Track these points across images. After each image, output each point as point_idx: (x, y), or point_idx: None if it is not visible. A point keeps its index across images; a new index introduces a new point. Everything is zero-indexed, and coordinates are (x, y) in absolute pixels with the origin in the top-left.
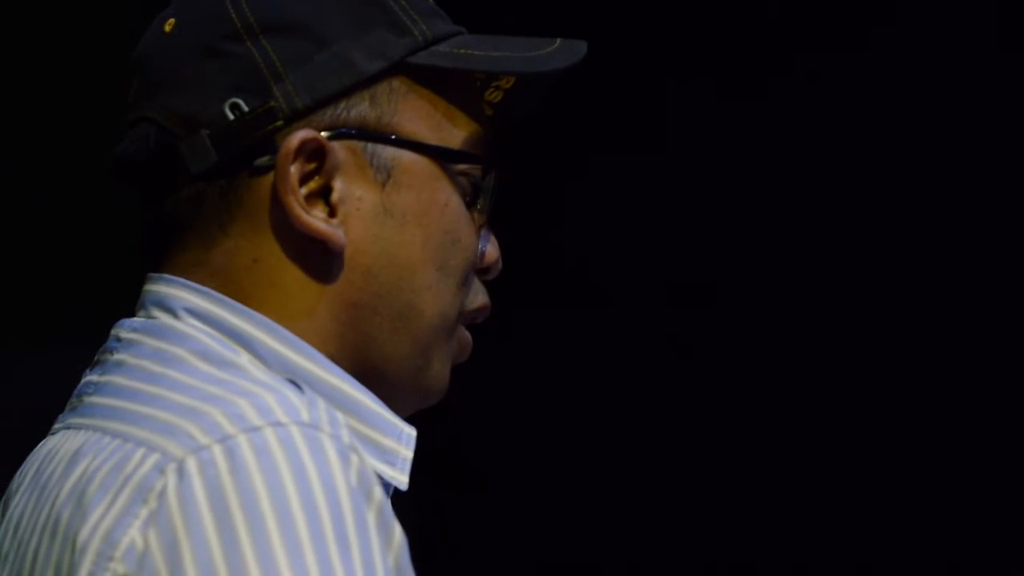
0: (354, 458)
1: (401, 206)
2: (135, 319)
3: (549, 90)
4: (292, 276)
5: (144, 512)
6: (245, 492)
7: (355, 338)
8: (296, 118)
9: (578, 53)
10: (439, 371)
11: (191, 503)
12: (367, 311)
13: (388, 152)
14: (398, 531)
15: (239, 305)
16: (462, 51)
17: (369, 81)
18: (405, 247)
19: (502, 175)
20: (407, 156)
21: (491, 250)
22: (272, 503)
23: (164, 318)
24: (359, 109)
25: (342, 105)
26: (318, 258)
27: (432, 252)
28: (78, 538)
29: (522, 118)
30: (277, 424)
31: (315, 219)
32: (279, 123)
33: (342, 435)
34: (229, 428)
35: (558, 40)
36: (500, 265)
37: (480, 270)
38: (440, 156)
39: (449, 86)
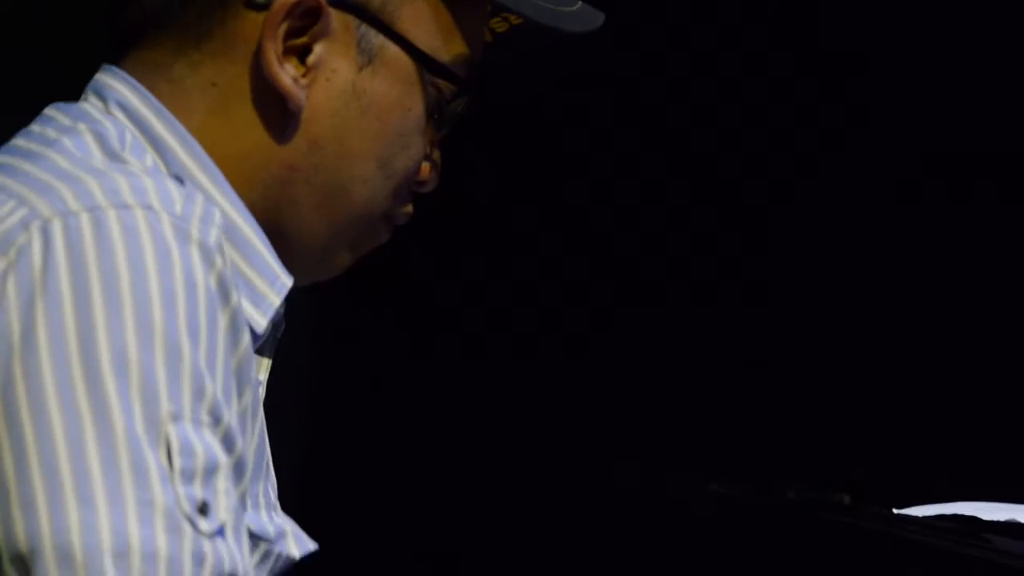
0: (217, 260)
1: (370, 94)
2: (71, 103)
3: (555, 45)
4: (241, 115)
5: (2, 263)
6: (106, 266)
7: (278, 196)
8: None
9: (592, 22)
10: (343, 258)
11: (51, 265)
12: (300, 177)
13: (378, 39)
14: (246, 339)
15: (171, 116)
16: None
17: None
18: (358, 133)
19: (471, 102)
20: (393, 50)
21: (433, 168)
22: (132, 282)
23: (93, 102)
24: None
25: None
26: (273, 110)
27: (381, 148)
28: None
29: (520, 59)
30: (148, 208)
31: (284, 73)
32: None
33: (211, 234)
34: (101, 200)
35: (579, 3)
36: (435, 183)
37: (416, 181)
38: (424, 63)
39: (461, 2)
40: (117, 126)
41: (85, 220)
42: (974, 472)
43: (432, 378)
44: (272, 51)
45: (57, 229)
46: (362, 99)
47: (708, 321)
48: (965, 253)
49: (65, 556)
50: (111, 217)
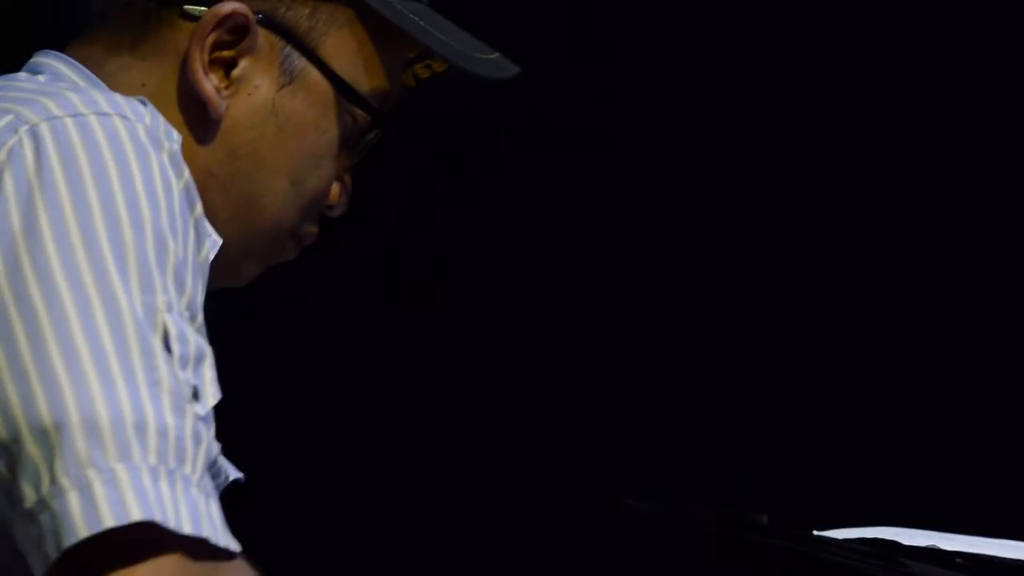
0: (184, 169)
1: (288, 112)
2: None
3: (471, 93)
4: (167, 118)
5: None
6: (96, 163)
7: None
8: None
9: (507, 72)
10: (250, 269)
11: (44, 162)
12: (217, 184)
13: (301, 62)
14: (206, 248)
15: (105, 87)
16: (413, 17)
17: None
18: (274, 148)
19: (383, 136)
20: (314, 74)
21: (343, 192)
22: (120, 178)
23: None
24: (297, 13)
25: (287, 2)
26: (195, 116)
27: (295, 165)
28: None
29: (437, 104)
30: (124, 116)
31: (207, 81)
32: None
33: (176, 145)
34: (81, 108)
35: (497, 54)
36: (343, 208)
37: (326, 204)
38: (342, 90)
39: (384, 39)
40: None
41: (70, 123)
42: (898, 496)
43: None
44: (198, 59)
45: (45, 130)
46: (280, 116)
47: (624, 331)
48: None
49: (93, 427)
50: (93, 121)
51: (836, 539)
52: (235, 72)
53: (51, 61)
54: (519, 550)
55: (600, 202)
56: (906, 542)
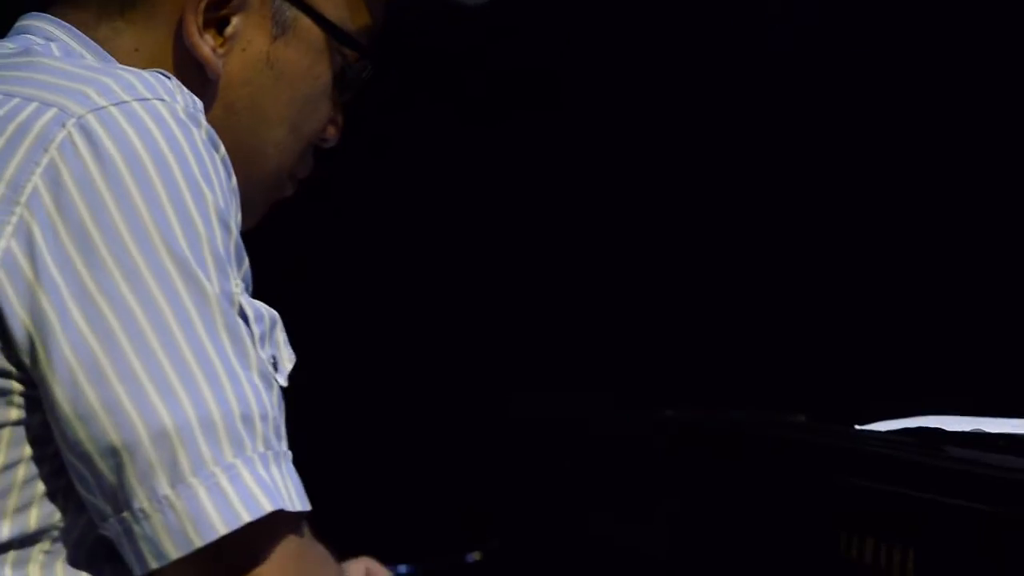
0: (220, 146)
1: (283, 63)
2: None
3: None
4: None
5: (45, 160)
6: (152, 150)
7: None
8: None
9: None
10: (255, 212)
11: (102, 154)
12: (219, 133)
13: (291, 12)
14: (240, 213)
15: (101, 51)
16: None
17: None
18: (271, 100)
19: (373, 70)
20: (305, 22)
21: (336, 128)
22: (178, 163)
23: (21, 37)
24: None
25: None
26: (192, 77)
27: (292, 113)
28: None
29: (415, 18)
30: (161, 99)
31: (204, 43)
32: None
33: (209, 126)
34: (123, 95)
35: None
36: (335, 141)
37: (321, 139)
38: (333, 33)
39: None
40: (65, 47)
41: (116, 112)
42: (940, 388)
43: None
44: (193, 23)
45: (95, 123)
46: (275, 68)
47: (648, 242)
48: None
49: (209, 426)
50: (138, 108)
51: (878, 432)
52: (228, 30)
53: (45, 25)
54: (508, 469)
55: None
56: (949, 428)
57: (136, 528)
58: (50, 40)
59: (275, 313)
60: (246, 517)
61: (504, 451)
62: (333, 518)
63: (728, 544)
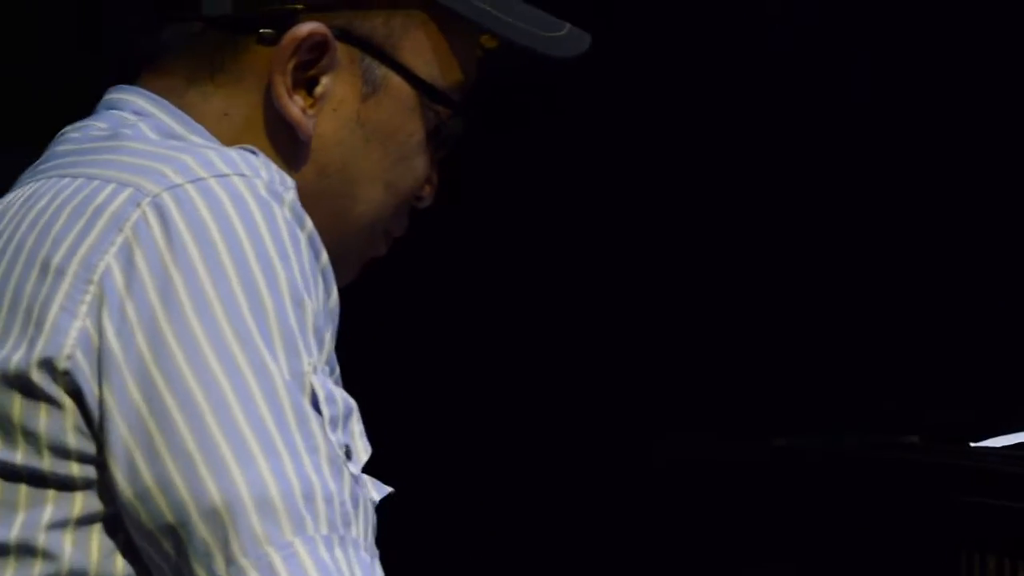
0: (307, 220)
1: (374, 122)
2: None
3: (543, 65)
4: (253, 143)
5: (119, 239)
6: (225, 228)
7: None
8: (316, 8)
9: (579, 47)
10: (348, 269)
11: (174, 234)
12: (310, 202)
13: (381, 70)
14: (335, 296)
15: (191, 120)
16: (482, 5)
17: (394, 2)
18: (364, 159)
19: (467, 125)
20: (396, 80)
21: (431, 187)
22: (251, 241)
23: (112, 113)
24: (374, 23)
25: (361, 14)
26: (283, 140)
27: (385, 172)
28: (51, 263)
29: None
30: (242, 175)
31: (293, 105)
32: (299, 6)
33: (295, 197)
34: (200, 171)
35: (567, 26)
36: (431, 200)
37: (416, 197)
38: (425, 91)
39: (457, 32)
40: (152, 128)
41: (192, 190)
42: None
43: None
44: (282, 84)
45: (169, 201)
46: (366, 127)
47: (720, 277)
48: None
49: (265, 503)
50: (214, 185)
51: (994, 447)
52: (318, 90)
53: (133, 98)
54: (661, 514)
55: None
56: None
57: None
58: (139, 114)
59: (352, 402)
60: None
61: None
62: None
63: (851, 571)
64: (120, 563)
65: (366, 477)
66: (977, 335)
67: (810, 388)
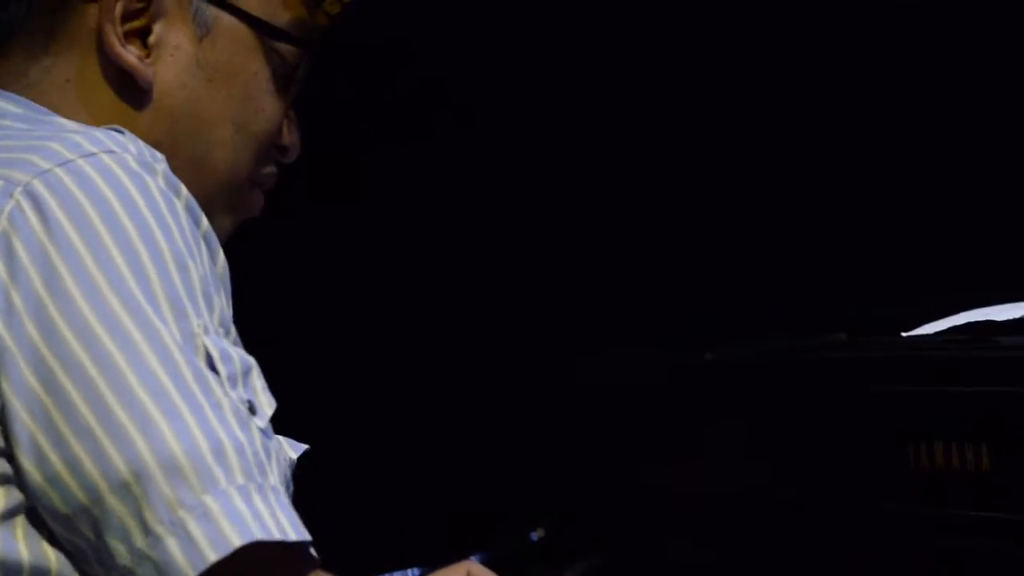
0: (183, 188)
1: (214, 63)
2: None
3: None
4: (101, 102)
5: None
6: (100, 206)
7: None
8: None
9: None
10: (221, 224)
11: (51, 219)
12: (166, 151)
13: (211, 11)
14: (222, 258)
15: (36, 105)
16: None
17: None
18: (209, 101)
19: (316, 66)
20: (227, 19)
21: (291, 134)
22: (128, 215)
23: None
24: None
25: None
26: (127, 91)
27: (233, 112)
28: None
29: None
30: (110, 151)
31: (128, 52)
32: None
33: (167, 168)
34: (67, 154)
35: None
36: (296, 151)
37: (279, 148)
38: (259, 28)
39: None
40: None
41: (62, 173)
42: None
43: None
44: (113, 34)
45: (41, 187)
46: (207, 69)
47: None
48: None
49: (171, 466)
50: (84, 165)
51: (927, 335)
52: (151, 39)
53: None
54: (582, 432)
55: None
56: (999, 318)
57: None
58: None
59: (251, 359)
60: (212, 556)
61: (555, 421)
62: (394, 500)
63: (794, 477)
64: (52, 554)
65: (281, 437)
66: (893, 227)
67: (730, 299)
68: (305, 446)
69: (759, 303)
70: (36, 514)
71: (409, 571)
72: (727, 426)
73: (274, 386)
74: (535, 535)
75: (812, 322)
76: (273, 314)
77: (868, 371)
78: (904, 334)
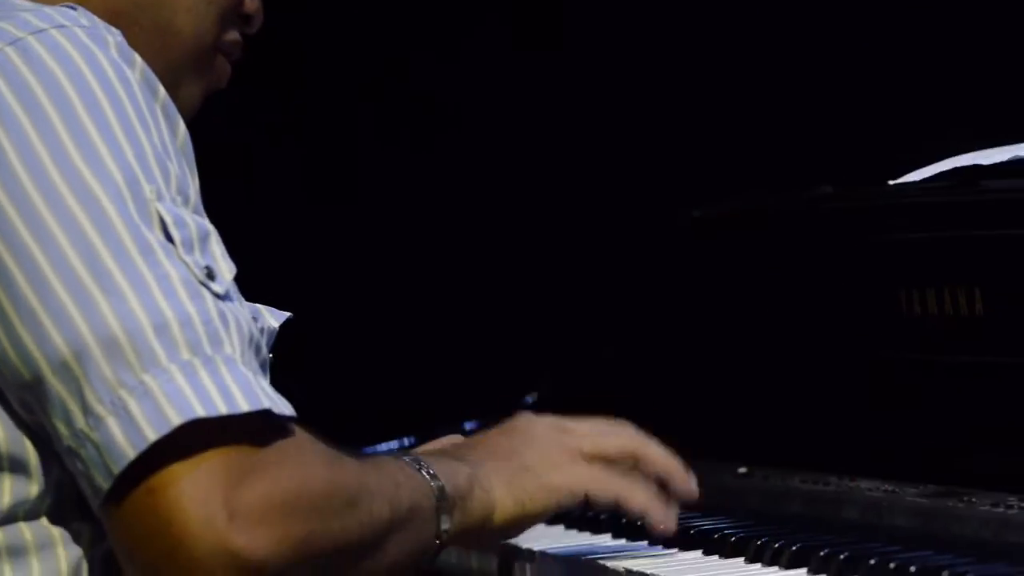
0: (136, 57)
1: None
2: None
3: None
4: None
5: None
6: (47, 82)
7: None
8: None
9: None
10: (189, 93)
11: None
12: (127, 21)
13: None
14: (183, 128)
15: None
16: None
17: None
18: None
19: None
20: None
21: (252, 1)
22: (75, 88)
23: None
24: None
25: None
26: None
27: None
28: None
29: None
30: (60, 26)
31: None
32: None
33: (119, 36)
34: (16, 32)
35: None
36: (260, 21)
37: (242, 17)
38: None
39: None
40: None
41: (11, 52)
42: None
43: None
44: None
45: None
46: None
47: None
48: None
49: (111, 344)
50: (32, 42)
51: (914, 182)
52: None
53: None
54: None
55: None
56: (985, 162)
57: (75, 464)
58: None
59: (209, 226)
60: (152, 436)
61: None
62: (385, 373)
63: (786, 334)
64: (24, 436)
65: (261, 306)
66: (874, 74)
67: (711, 156)
68: (288, 314)
69: (739, 159)
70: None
71: (405, 440)
72: (716, 282)
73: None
74: (529, 399)
75: (795, 176)
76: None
77: (858, 220)
78: (890, 182)
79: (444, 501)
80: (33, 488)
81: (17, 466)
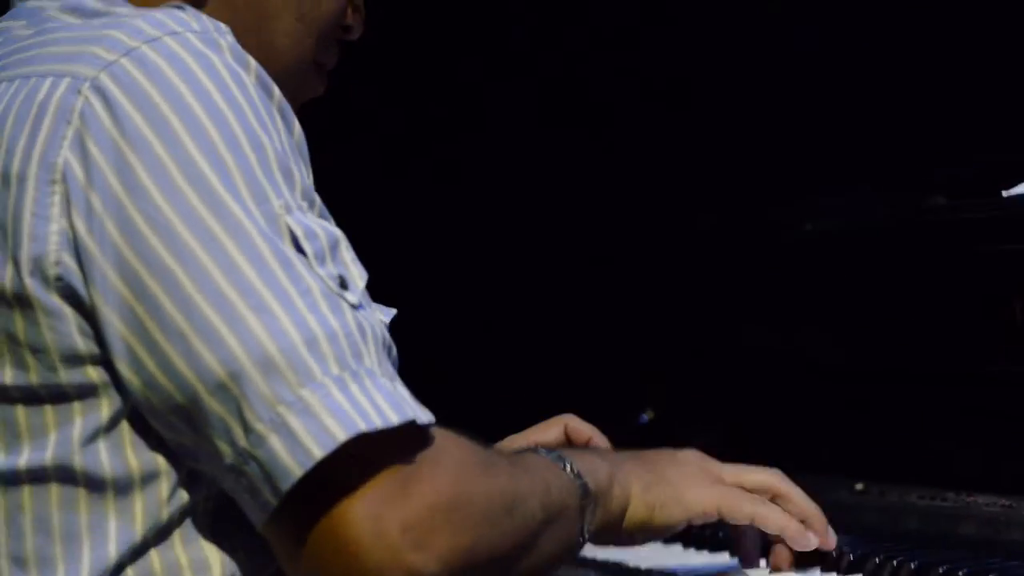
0: (251, 59)
1: None
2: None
3: None
4: None
5: (70, 132)
6: (168, 94)
7: None
8: None
9: None
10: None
11: (120, 114)
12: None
13: None
14: (298, 126)
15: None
16: None
17: None
18: None
19: None
20: None
21: (354, 13)
22: (197, 99)
23: (24, 6)
24: None
25: None
26: None
27: (293, 3)
28: (11, 172)
29: None
30: (173, 33)
31: None
32: None
33: (232, 38)
34: (131, 42)
35: None
36: (360, 29)
37: (342, 27)
38: None
39: None
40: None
41: (127, 63)
42: None
43: None
44: None
45: (107, 80)
46: None
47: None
48: None
49: (266, 364)
50: (147, 51)
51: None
52: None
53: None
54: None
55: None
56: None
57: (238, 483)
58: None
59: (337, 231)
60: (319, 454)
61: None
62: (505, 380)
63: (900, 348)
64: (160, 461)
65: (372, 303)
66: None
67: (820, 160)
68: (394, 310)
69: (851, 165)
70: (140, 418)
71: None
72: (827, 293)
73: None
74: (645, 417)
75: (906, 184)
76: None
77: (970, 232)
78: (1004, 193)
79: (587, 499)
80: (164, 512)
81: (150, 488)
